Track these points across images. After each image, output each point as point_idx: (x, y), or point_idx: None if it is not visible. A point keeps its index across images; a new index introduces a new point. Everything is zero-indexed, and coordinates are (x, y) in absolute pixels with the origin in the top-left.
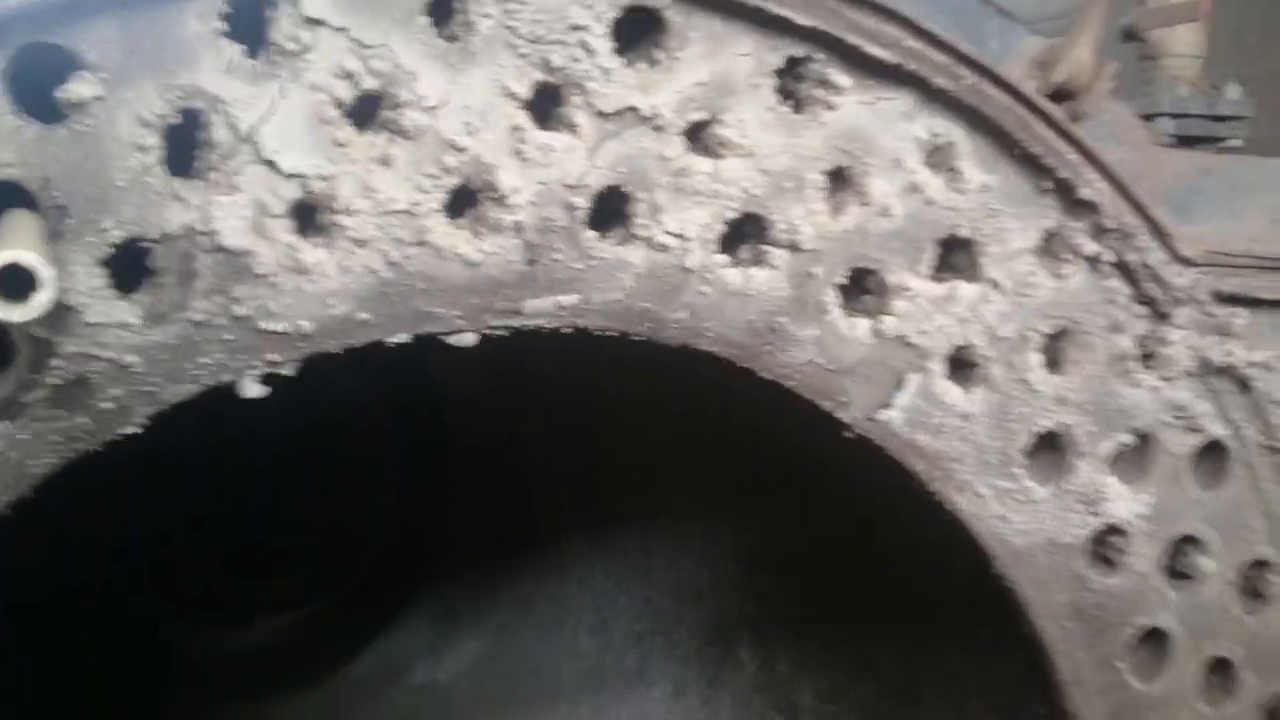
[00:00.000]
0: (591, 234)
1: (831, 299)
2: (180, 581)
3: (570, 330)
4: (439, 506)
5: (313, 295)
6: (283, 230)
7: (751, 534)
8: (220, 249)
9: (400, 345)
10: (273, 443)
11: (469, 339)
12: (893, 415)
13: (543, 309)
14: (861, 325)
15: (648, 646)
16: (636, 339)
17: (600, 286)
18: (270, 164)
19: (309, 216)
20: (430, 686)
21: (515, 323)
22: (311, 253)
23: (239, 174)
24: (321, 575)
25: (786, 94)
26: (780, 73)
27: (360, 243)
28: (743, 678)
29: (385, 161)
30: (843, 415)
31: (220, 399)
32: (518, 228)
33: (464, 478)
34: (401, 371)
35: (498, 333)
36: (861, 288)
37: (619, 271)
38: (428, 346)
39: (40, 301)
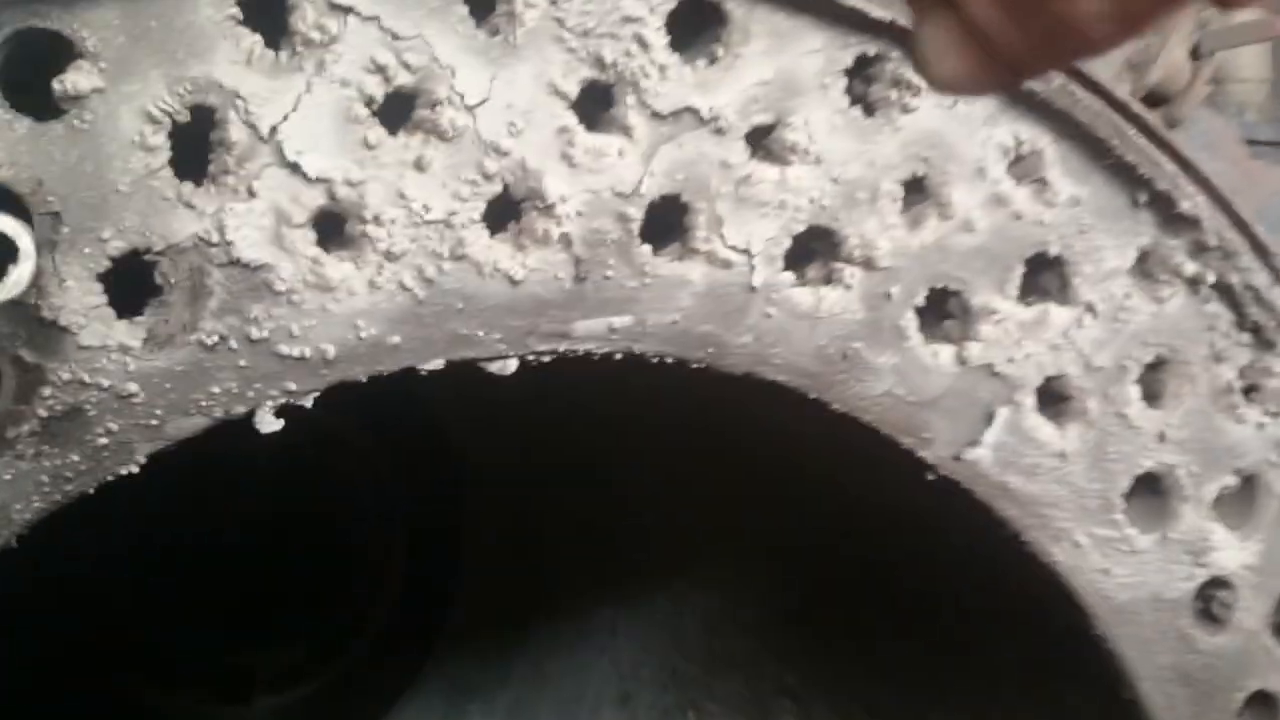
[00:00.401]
0: (646, 248)
1: (911, 323)
2: (169, 651)
3: (621, 356)
4: (450, 567)
5: (338, 316)
6: (305, 242)
7: (795, 593)
8: (235, 263)
9: (431, 372)
10: (268, 501)
11: (510, 366)
12: (981, 454)
13: (593, 331)
14: (944, 353)
15: None
16: (696, 366)
17: (656, 307)
18: (293, 167)
19: (335, 227)
20: None
21: (562, 347)
22: (337, 267)
23: (257, 178)
24: (324, 646)
25: (858, 96)
26: (851, 72)
27: (391, 256)
28: None
29: (420, 166)
30: (926, 454)
31: (217, 437)
32: (565, 241)
33: (476, 535)
34: (402, 421)
35: (543, 358)
36: (943, 311)
37: (677, 290)
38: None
39: (20, 277)
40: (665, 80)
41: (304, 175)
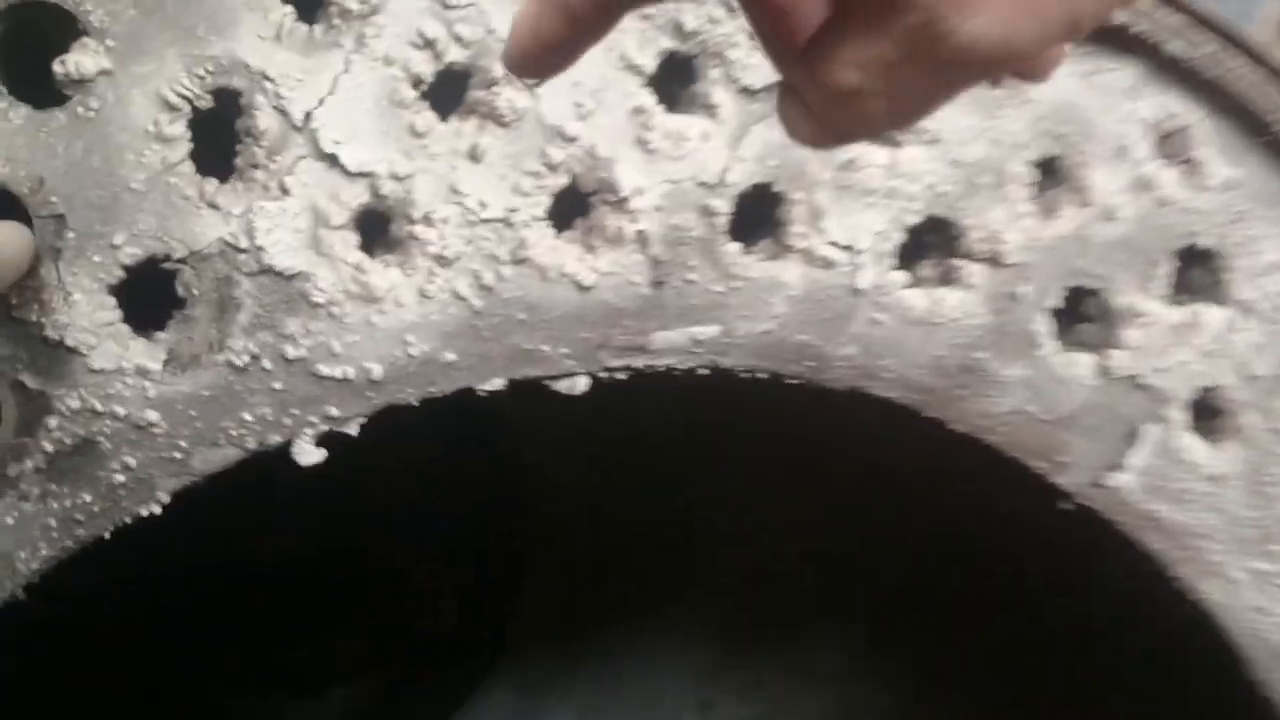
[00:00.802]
0: (735, 246)
1: (1044, 327)
2: (238, 642)
3: (707, 371)
4: (521, 562)
5: (385, 331)
6: (347, 246)
7: (889, 613)
8: (267, 271)
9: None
10: (338, 490)
11: (581, 384)
12: (1125, 479)
13: (674, 344)
14: (1083, 362)
15: None
16: (791, 381)
17: (747, 314)
18: (330, 160)
19: (380, 228)
20: None
21: (639, 362)
22: (383, 275)
23: (290, 173)
24: (394, 639)
25: None
26: None
27: (444, 261)
28: None
29: (474, 156)
30: (1061, 480)
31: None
32: (642, 240)
33: (548, 532)
34: (467, 421)
35: (616, 375)
36: (1079, 314)
37: (770, 295)
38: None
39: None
40: (757, 49)
41: (343, 169)
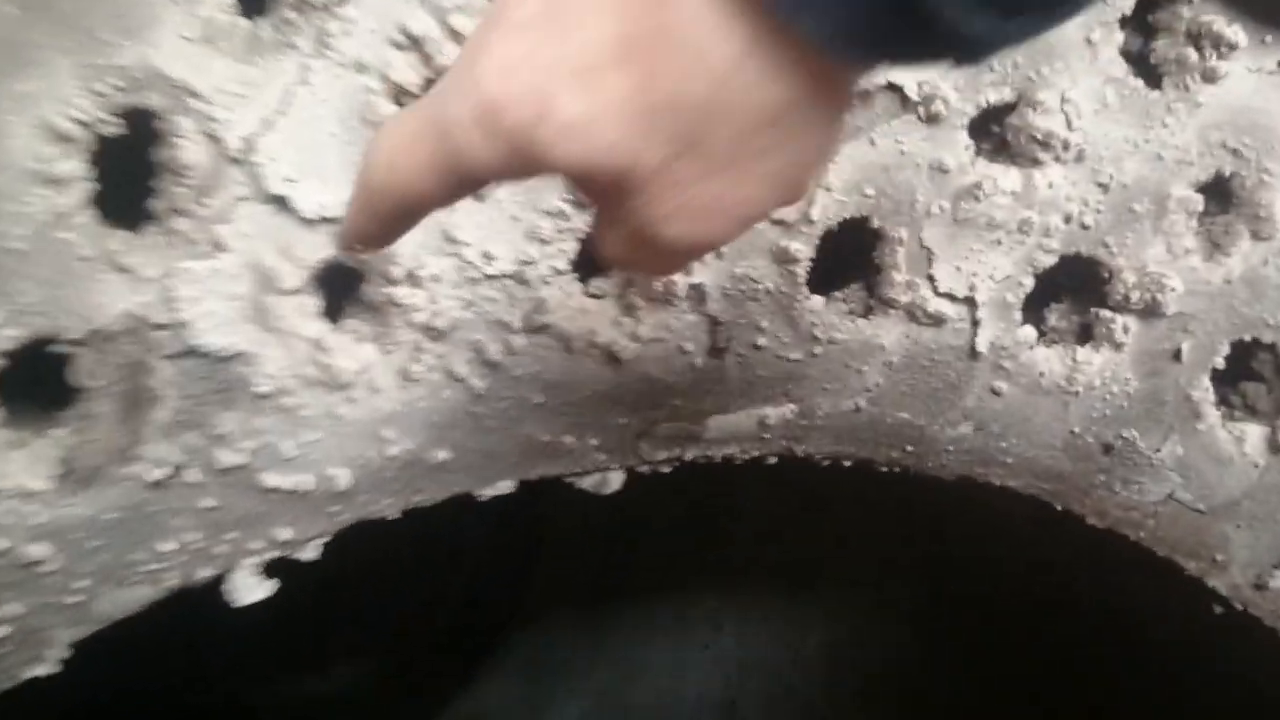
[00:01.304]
0: (817, 301)
1: (1206, 395)
2: (236, 622)
3: (776, 460)
4: (535, 539)
5: (355, 425)
6: (303, 316)
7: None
8: (193, 353)
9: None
10: None
11: (614, 482)
12: None
13: (737, 429)
14: (1252, 435)
15: None
16: (885, 470)
17: (831, 388)
18: (280, 202)
19: (348, 291)
20: None
21: (691, 453)
22: (353, 353)
23: (226, 221)
24: (400, 616)
25: (1139, 57)
26: (1129, 22)
27: (435, 333)
28: None
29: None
30: (1216, 582)
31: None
32: (697, 296)
33: (564, 507)
34: None
35: (661, 469)
36: (1247, 371)
37: (862, 362)
38: None
39: None
40: None
41: (297, 214)
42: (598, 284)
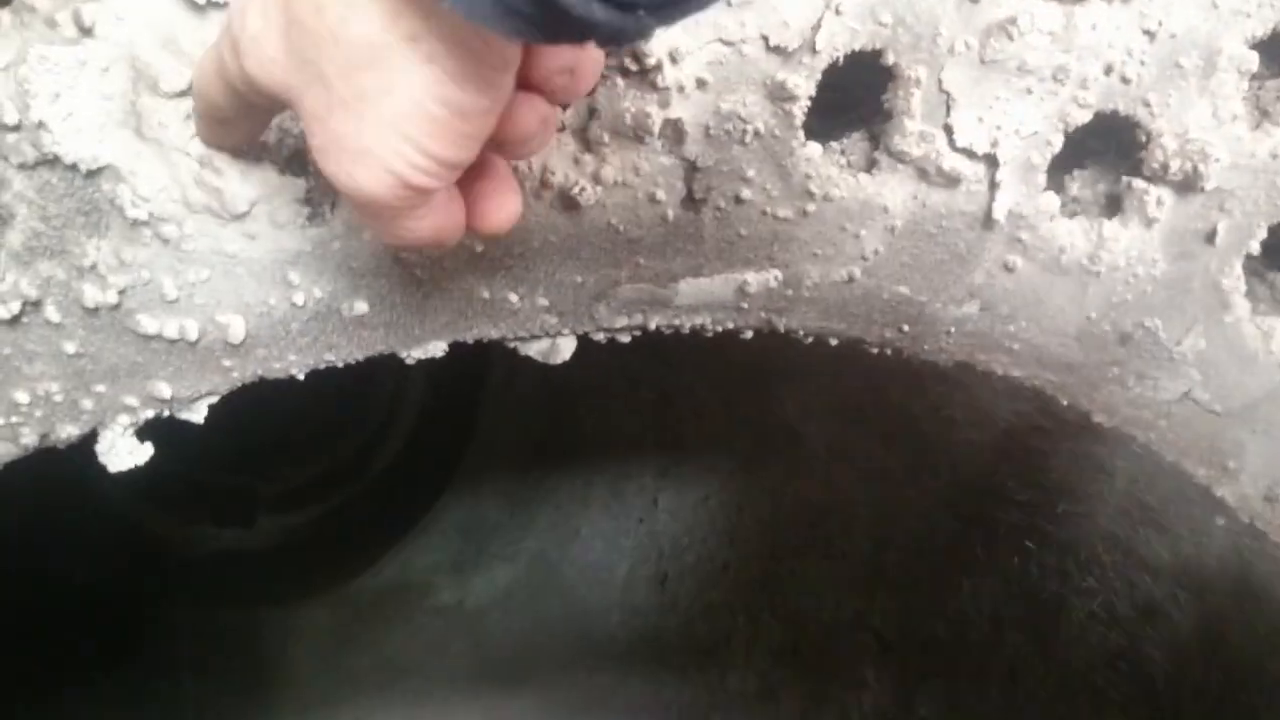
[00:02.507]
0: (814, 150)
1: (1237, 283)
2: (168, 472)
3: (753, 332)
4: (472, 396)
5: (252, 264)
6: (188, 124)
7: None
8: (53, 162)
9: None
10: None
11: (565, 349)
12: None
13: (710, 296)
14: (1279, 332)
15: (724, 626)
16: (876, 350)
17: (823, 253)
18: None
19: None
20: (456, 610)
21: (655, 320)
22: (250, 175)
23: None
24: (330, 472)
25: None
26: None
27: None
28: (867, 699)
29: None
30: (1224, 491)
31: None
32: (673, 133)
33: (503, 370)
34: None
35: (619, 337)
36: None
37: (860, 224)
38: None
39: None
40: None
41: None
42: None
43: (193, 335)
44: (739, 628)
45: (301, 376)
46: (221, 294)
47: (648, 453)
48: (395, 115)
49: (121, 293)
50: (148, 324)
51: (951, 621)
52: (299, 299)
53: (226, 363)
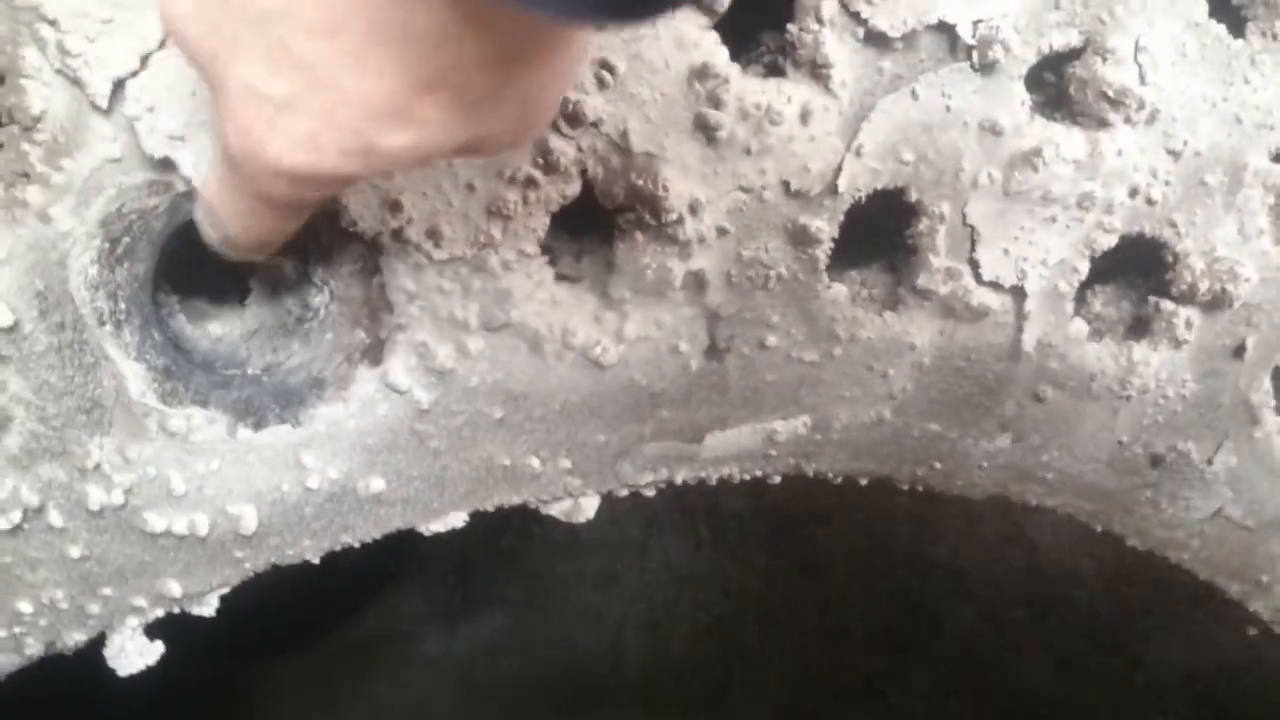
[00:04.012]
0: (840, 292)
1: (1266, 397)
2: None
3: (781, 478)
4: None
5: (263, 451)
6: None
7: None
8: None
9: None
10: None
11: (588, 509)
12: None
13: (738, 447)
14: None
15: (719, 677)
16: (907, 486)
17: (850, 395)
18: (164, 166)
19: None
20: (443, 660)
21: (681, 474)
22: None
23: (98, 190)
24: None
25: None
26: None
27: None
28: None
29: None
30: (1258, 605)
31: None
32: (695, 284)
33: None
34: None
35: (645, 492)
36: None
37: (887, 364)
38: None
39: None
40: None
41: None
42: (569, 266)
43: (203, 530)
44: (736, 679)
45: (316, 560)
46: (232, 484)
47: (638, 497)
48: (349, 78)
49: (128, 491)
50: (156, 522)
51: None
52: (313, 482)
53: (238, 554)
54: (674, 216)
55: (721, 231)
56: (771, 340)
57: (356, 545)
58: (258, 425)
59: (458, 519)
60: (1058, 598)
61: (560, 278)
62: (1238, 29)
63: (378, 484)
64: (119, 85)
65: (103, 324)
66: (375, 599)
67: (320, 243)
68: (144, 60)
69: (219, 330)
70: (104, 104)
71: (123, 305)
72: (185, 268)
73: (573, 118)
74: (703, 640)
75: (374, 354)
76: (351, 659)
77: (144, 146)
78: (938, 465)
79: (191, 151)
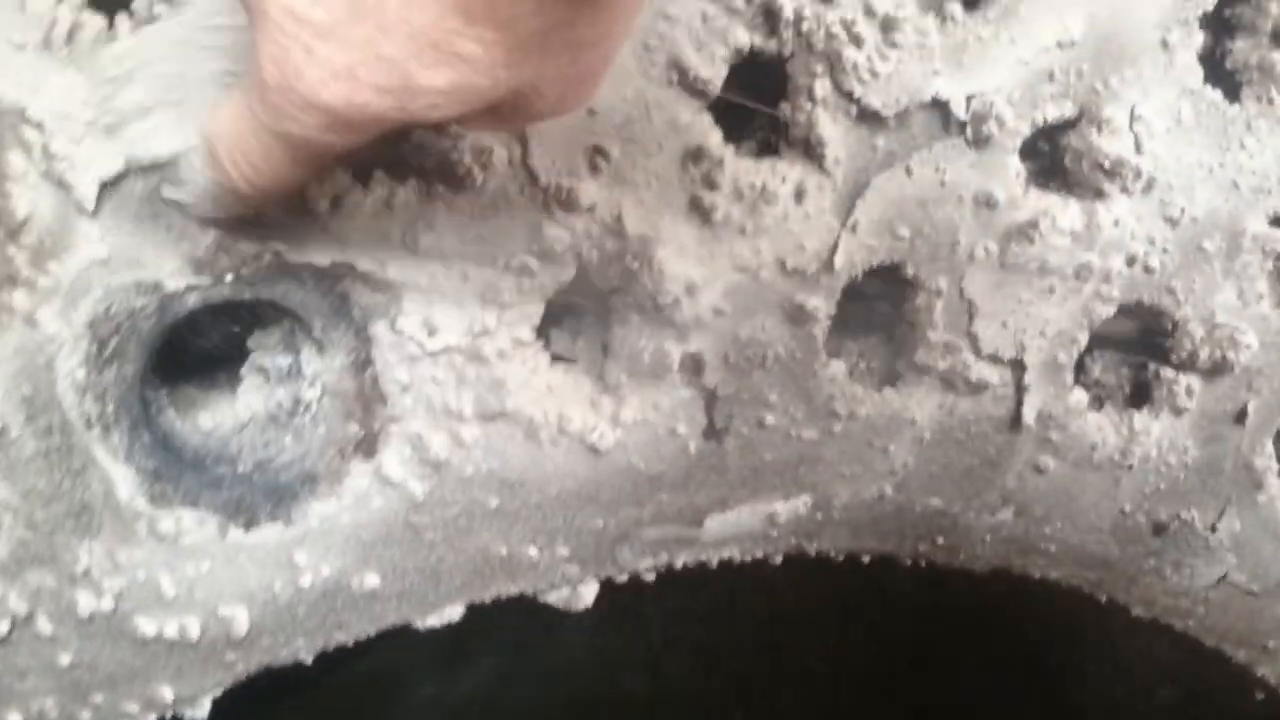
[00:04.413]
0: (838, 369)
1: (1269, 461)
2: None
3: (783, 558)
4: None
5: (254, 551)
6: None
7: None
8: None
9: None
10: None
11: (587, 596)
12: None
13: (739, 528)
14: None
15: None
16: (910, 562)
17: (850, 472)
18: None
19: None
20: (436, 704)
21: (682, 558)
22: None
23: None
24: None
25: (1218, 65)
26: (1213, 20)
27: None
28: None
29: (410, 242)
30: (1265, 670)
31: None
32: (693, 366)
33: None
34: None
35: (645, 577)
36: None
37: (888, 440)
38: None
39: None
40: (888, 50)
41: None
42: (564, 344)
43: (194, 633)
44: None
45: (309, 660)
46: (223, 585)
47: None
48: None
49: (118, 596)
50: (146, 626)
51: None
52: (306, 580)
53: (230, 656)
54: (670, 299)
55: (718, 312)
56: (770, 419)
57: (349, 643)
58: (249, 525)
59: (454, 612)
60: None
61: (555, 359)
62: (1233, 94)
63: (372, 579)
64: (105, 187)
65: (91, 427)
66: (368, 642)
67: (312, 337)
68: (130, 162)
69: (209, 422)
70: (90, 206)
71: (111, 407)
72: (177, 353)
73: (567, 203)
74: (703, 679)
75: (367, 446)
76: (344, 705)
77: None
78: (940, 540)
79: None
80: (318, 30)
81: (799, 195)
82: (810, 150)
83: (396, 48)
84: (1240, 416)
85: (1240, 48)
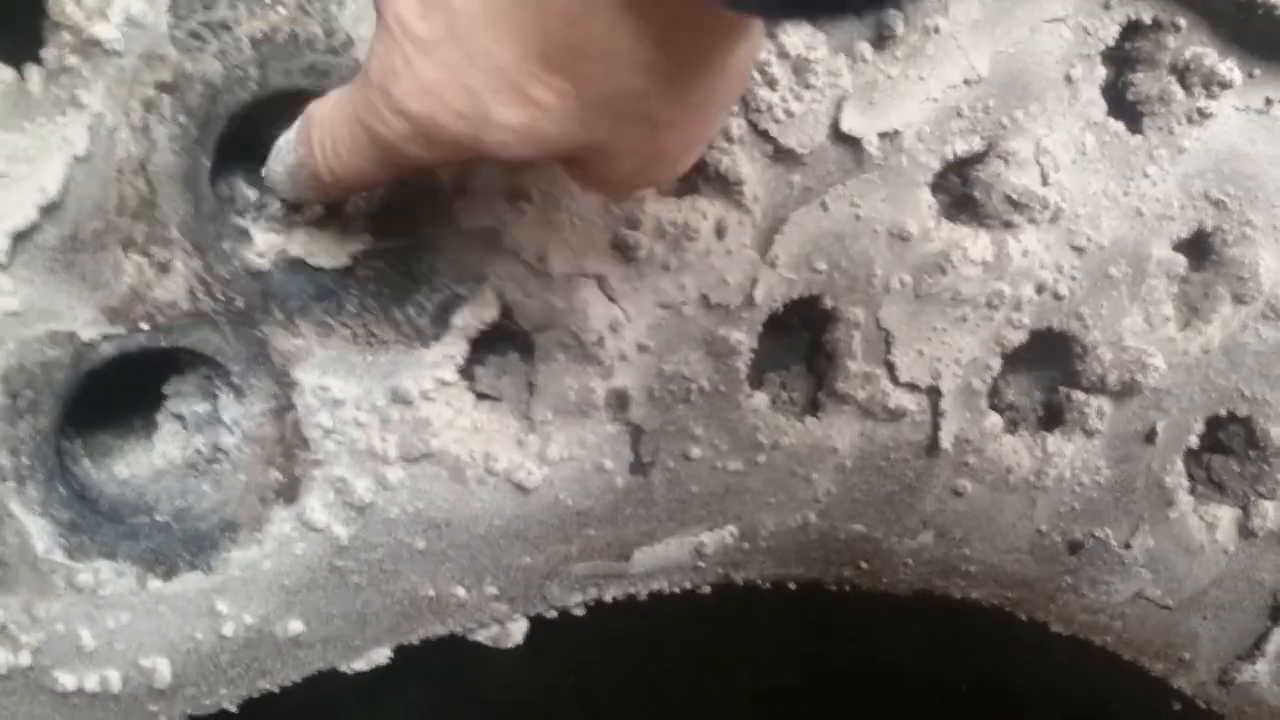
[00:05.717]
0: (760, 399)
1: (1179, 479)
2: None
3: (711, 588)
4: None
5: (174, 601)
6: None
7: None
8: None
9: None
10: None
11: (516, 634)
12: (1258, 672)
13: (666, 560)
14: (1224, 520)
15: None
16: (834, 587)
17: (775, 500)
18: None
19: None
20: None
21: (611, 593)
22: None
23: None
24: None
25: (1121, 98)
26: (1114, 56)
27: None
28: None
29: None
30: (1181, 682)
31: None
32: (617, 402)
33: None
34: None
35: (572, 613)
36: (1220, 448)
37: (810, 468)
38: None
39: None
40: (802, 90)
41: None
42: (489, 381)
43: (116, 686)
44: None
45: (234, 708)
46: (144, 636)
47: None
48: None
49: (35, 651)
50: (66, 680)
51: None
52: (228, 629)
53: (153, 708)
54: (595, 337)
55: (643, 348)
56: (696, 452)
57: (275, 690)
58: (168, 574)
59: (381, 655)
60: None
61: (481, 397)
62: (1135, 125)
63: (296, 625)
64: (17, 238)
65: (4, 480)
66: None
67: (230, 383)
68: (43, 212)
69: (125, 471)
70: (3, 259)
71: (25, 460)
72: (91, 398)
73: (491, 245)
74: (637, 709)
75: (289, 492)
76: None
77: None
78: (864, 565)
79: None
80: (419, 44)
81: (720, 232)
82: (729, 188)
83: (479, 78)
84: (1150, 436)
85: (1141, 80)
